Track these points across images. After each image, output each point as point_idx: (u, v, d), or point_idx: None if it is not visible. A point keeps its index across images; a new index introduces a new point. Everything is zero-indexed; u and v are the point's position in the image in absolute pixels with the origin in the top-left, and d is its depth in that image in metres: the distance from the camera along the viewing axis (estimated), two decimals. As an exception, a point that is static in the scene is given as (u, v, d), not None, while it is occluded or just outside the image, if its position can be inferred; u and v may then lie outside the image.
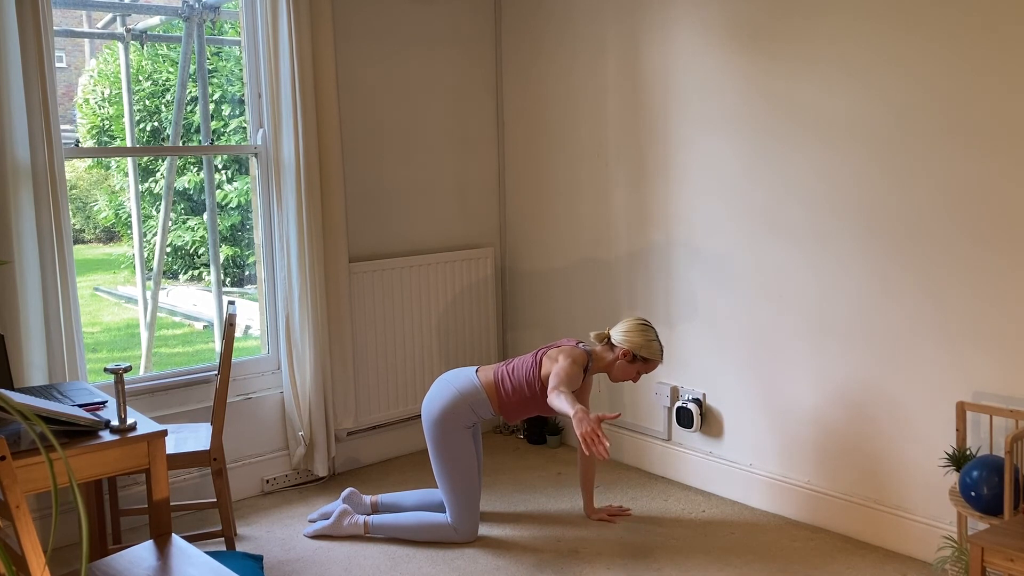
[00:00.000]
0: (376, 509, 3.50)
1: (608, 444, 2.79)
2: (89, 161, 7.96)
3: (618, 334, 3.30)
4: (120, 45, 4.78)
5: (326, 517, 3.46)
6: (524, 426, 4.48)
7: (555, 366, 3.19)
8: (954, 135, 2.89)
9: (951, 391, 2.98)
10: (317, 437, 3.85)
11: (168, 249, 7.13)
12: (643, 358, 3.28)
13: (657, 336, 3.31)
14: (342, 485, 3.87)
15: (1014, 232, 2.79)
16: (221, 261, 5.71)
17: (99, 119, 7.18)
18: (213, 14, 4.32)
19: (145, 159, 6.83)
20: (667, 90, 3.76)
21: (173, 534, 2.42)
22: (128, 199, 7.48)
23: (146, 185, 7.01)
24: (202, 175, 6.72)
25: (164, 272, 7.25)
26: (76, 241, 6.28)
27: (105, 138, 7.19)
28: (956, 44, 2.86)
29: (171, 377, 3.65)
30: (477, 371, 3.37)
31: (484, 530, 3.44)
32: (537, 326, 4.52)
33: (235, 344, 3.11)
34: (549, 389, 3.08)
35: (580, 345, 3.32)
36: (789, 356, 3.44)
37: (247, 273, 7.12)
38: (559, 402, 3.00)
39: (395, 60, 4.16)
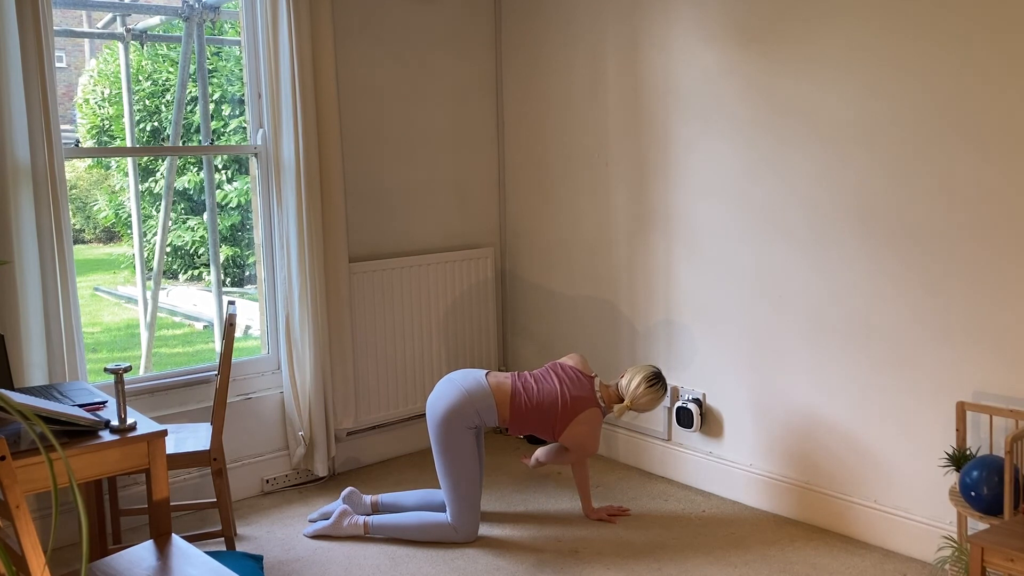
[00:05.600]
0: (376, 509, 3.50)
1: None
2: (89, 161, 7.96)
3: (630, 387, 3.39)
4: (120, 45, 4.78)
5: (326, 517, 3.46)
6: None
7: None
8: (954, 135, 2.89)
9: (951, 391, 2.98)
10: (317, 437, 3.85)
11: (168, 249, 7.13)
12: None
13: (666, 385, 3.44)
14: (342, 485, 3.86)
15: (1014, 232, 2.79)
16: (221, 261, 5.71)
17: (99, 119, 7.18)
18: (213, 14, 4.31)
19: (145, 159, 6.83)
20: (667, 90, 3.76)
21: (173, 534, 2.42)
22: (128, 199, 7.48)
23: (146, 185, 7.00)
24: (202, 175, 6.72)
25: (164, 272, 7.25)
26: (76, 241, 6.28)
27: (105, 138, 7.19)
28: (956, 45, 2.86)
29: (171, 377, 3.65)
30: (487, 375, 3.37)
31: (484, 530, 3.44)
32: (537, 325, 4.52)
33: (235, 344, 3.11)
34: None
35: (596, 383, 3.42)
36: (789, 356, 3.44)
37: (247, 273, 7.12)
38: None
39: (395, 60, 4.16)
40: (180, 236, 7.32)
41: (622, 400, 3.40)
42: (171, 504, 2.77)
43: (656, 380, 3.39)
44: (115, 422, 2.44)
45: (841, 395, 3.29)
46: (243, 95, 3.89)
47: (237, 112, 6.15)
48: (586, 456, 3.42)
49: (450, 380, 3.37)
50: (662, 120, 3.79)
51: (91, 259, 8.62)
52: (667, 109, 3.77)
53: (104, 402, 2.68)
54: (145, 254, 6.34)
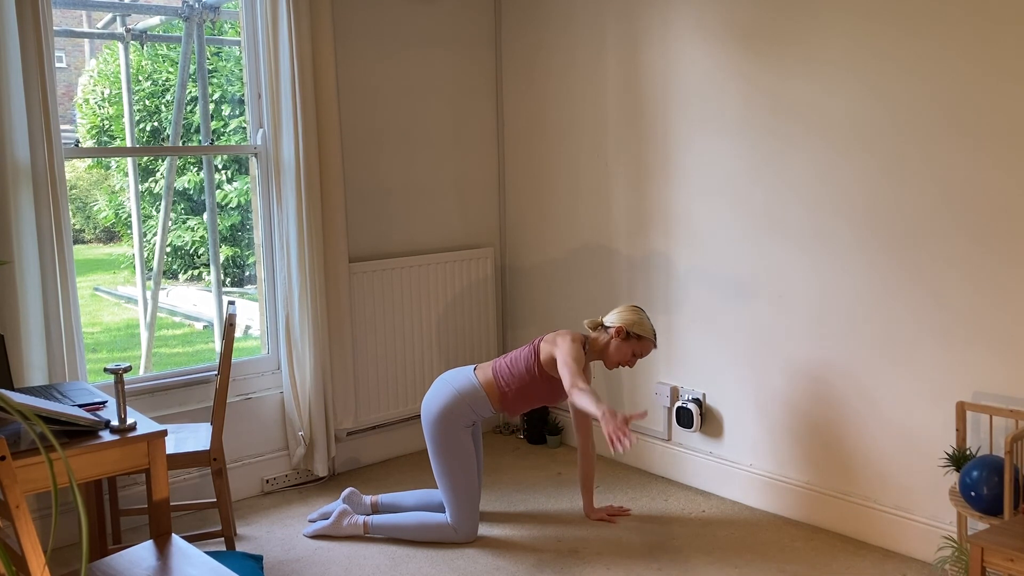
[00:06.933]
0: (376, 509, 3.50)
1: (633, 440, 2.81)
2: (89, 161, 7.96)
3: (610, 316, 3.35)
4: (120, 45, 4.78)
5: (326, 517, 3.46)
6: (524, 426, 4.48)
7: (558, 351, 3.19)
8: (954, 134, 2.89)
9: (951, 391, 2.98)
10: (317, 437, 3.85)
11: (168, 249, 7.13)
12: (636, 336, 3.29)
13: (648, 318, 3.35)
14: (342, 485, 3.87)
15: (1014, 231, 2.79)
16: (221, 261, 5.71)
17: (99, 119, 7.18)
18: (213, 14, 4.32)
19: (145, 159, 6.83)
20: (667, 89, 3.76)
21: (173, 534, 2.42)
22: (128, 199, 7.48)
23: (146, 185, 7.01)
24: (202, 175, 6.72)
25: (164, 272, 7.25)
26: (76, 241, 6.28)
27: (105, 138, 7.19)
28: (956, 44, 2.86)
29: (171, 377, 3.65)
30: (475, 369, 3.38)
31: (484, 530, 3.44)
32: (537, 326, 4.52)
33: (235, 344, 3.11)
34: (567, 386, 3.06)
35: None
36: (789, 356, 3.44)
37: (247, 273, 7.12)
38: (582, 402, 2.99)
39: (395, 60, 4.16)
40: (180, 236, 7.33)
41: (606, 330, 3.33)
42: (171, 504, 2.77)
43: (634, 304, 3.36)
44: (115, 422, 2.44)
45: (841, 394, 3.29)
46: (243, 95, 3.89)
47: (237, 112, 6.15)
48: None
49: (443, 380, 3.38)
50: (662, 119, 3.79)
51: (91, 259, 8.62)
52: (667, 108, 3.77)
53: (104, 402, 2.68)
54: (145, 254, 6.34)
